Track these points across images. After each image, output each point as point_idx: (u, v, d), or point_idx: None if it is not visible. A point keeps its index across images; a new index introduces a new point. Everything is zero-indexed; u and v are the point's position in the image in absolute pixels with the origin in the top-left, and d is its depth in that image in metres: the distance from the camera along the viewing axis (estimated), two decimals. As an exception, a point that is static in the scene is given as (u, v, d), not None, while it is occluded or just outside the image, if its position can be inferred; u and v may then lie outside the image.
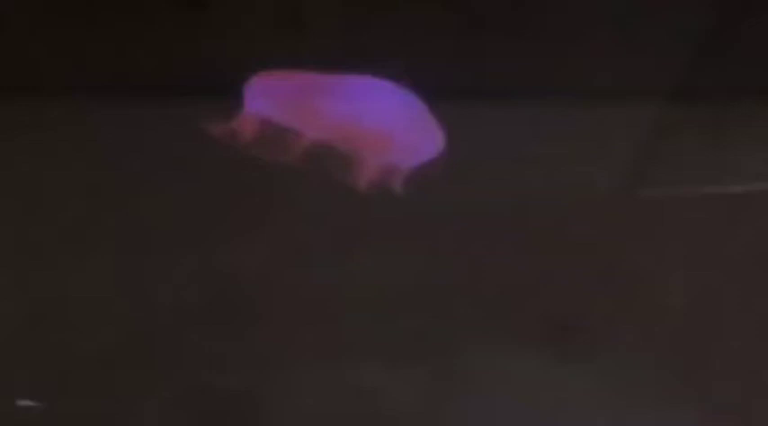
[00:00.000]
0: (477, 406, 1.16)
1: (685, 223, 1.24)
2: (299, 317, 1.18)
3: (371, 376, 1.17)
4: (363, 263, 1.20)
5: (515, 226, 1.22)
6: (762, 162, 1.28)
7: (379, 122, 1.20)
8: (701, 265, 1.23)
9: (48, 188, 1.23)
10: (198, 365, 1.17)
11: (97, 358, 1.16)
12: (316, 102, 1.20)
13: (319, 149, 1.17)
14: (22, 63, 1.26)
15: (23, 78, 1.26)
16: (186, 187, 1.22)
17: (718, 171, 1.27)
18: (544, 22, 1.28)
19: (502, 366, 1.17)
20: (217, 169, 1.21)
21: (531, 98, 1.26)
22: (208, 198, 1.22)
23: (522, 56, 1.27)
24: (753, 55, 1.30)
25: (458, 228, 1.22)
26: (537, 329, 1.19)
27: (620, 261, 1.22)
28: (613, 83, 1.28)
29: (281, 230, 1.21)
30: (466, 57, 1.27)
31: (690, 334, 1.20)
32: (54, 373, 1.16)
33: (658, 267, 1.22)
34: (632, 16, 1.29)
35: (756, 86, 1.30)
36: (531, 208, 1.23)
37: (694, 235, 1.24)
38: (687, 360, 1.19)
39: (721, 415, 1.17)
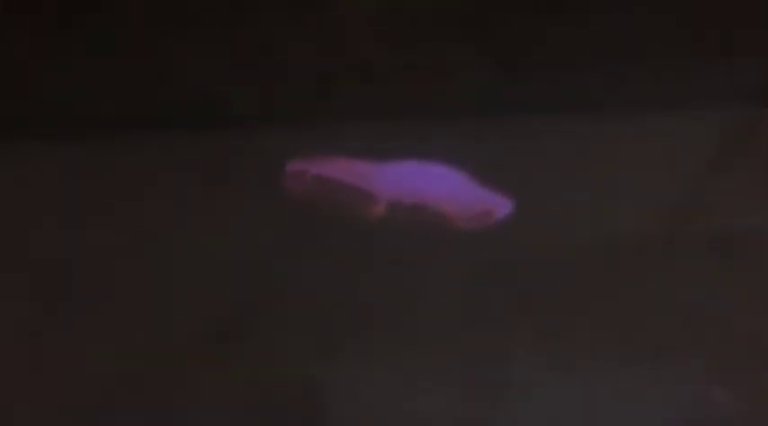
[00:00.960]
0: (520, 413, 1.19)
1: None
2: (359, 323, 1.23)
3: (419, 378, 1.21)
4: (414, 278, 1.25)
5: (565, 248, 1.26)
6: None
7: (447, 191, 1.24)
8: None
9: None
10: (267, 357, 1.22)
11: (173, 343, 1.22)
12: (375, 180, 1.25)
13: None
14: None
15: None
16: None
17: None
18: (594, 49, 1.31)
19: (549, 375, 1.21)
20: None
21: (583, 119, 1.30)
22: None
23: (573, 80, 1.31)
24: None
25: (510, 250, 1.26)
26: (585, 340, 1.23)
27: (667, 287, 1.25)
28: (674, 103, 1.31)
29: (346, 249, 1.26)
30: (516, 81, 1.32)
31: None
32: (133, 354, 1.22)
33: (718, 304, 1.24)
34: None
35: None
36: (581, 230, 1.27)
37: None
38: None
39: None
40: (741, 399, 1.18)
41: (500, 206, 1.23)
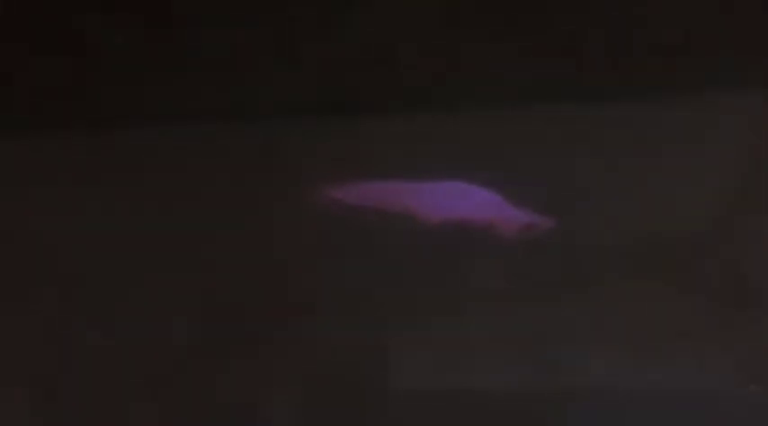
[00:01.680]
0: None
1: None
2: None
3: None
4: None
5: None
6: None
7: (488, 208, 1.25)
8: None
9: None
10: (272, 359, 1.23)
11: (173, 344, 1.23)
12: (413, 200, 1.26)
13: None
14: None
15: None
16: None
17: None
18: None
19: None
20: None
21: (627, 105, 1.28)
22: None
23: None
24: None
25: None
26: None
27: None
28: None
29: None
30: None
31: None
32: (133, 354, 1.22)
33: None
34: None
35: None
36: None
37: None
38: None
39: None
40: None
41: (541, 220, 1.24)
